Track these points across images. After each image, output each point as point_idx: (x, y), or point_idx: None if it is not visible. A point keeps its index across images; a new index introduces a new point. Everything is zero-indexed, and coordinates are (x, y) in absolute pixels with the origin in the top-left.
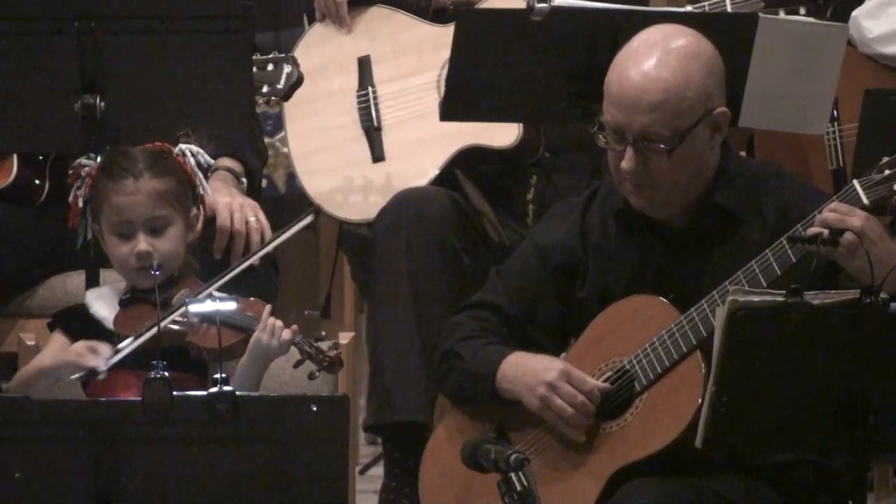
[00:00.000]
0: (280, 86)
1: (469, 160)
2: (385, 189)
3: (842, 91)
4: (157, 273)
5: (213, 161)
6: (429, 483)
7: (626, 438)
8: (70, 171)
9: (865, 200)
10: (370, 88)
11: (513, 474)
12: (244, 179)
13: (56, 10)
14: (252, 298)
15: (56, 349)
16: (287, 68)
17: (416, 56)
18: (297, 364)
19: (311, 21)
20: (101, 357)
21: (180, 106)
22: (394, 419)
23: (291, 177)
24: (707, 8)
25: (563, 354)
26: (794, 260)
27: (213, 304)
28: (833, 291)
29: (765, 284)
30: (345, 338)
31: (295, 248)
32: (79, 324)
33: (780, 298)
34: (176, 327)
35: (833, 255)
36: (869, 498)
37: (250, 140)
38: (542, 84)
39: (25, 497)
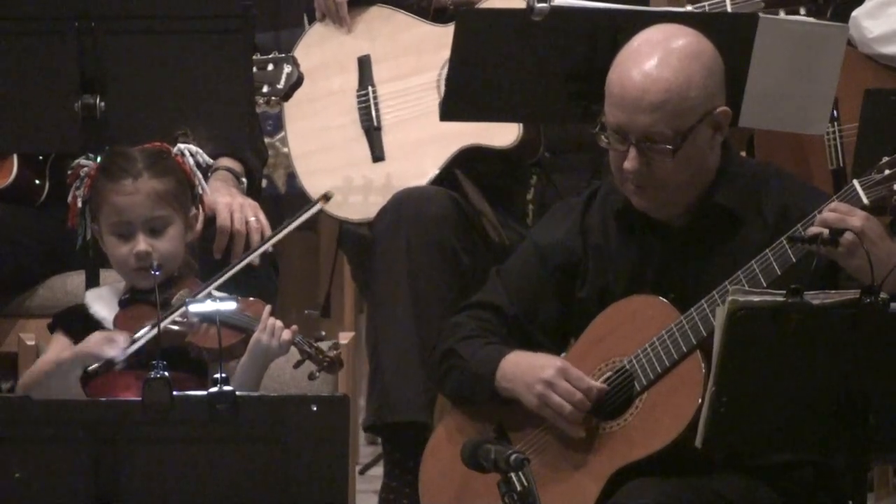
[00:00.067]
0: (280, 86)
1: (469, 160)
2: (385, 189)
3: (842, 91)
4: (157, 273)
5: (211, 161)
6: (429, 483)
7: (626, 438)
8: (69, 172)
9: (865, 200)
10: (370, 88)
11: (513, 474)
12: (244, 179)
13: (56, 10)
14: (252, 298)
15: (60, 350)
16: (287, 68)
17: (417, 56)
18: (297, 364)
19: (311, 21)
20: (118, 346)
21: (180, 106)
22: (393, 419)
23: (291, 177)
24: (707, 8)
25: (563, 354)
26: (794, 260)
27: (213, 304)
28: (833, 291)
29: (765, 284)
30: (345, 338)
31: (295, 248)
32: (79, 324)
33: (780, 298)
34: (176, 327)
35: (833, 254)
36: (869, 498)
37: (250, 140)
38: (542, 84)
39: (25, 497)
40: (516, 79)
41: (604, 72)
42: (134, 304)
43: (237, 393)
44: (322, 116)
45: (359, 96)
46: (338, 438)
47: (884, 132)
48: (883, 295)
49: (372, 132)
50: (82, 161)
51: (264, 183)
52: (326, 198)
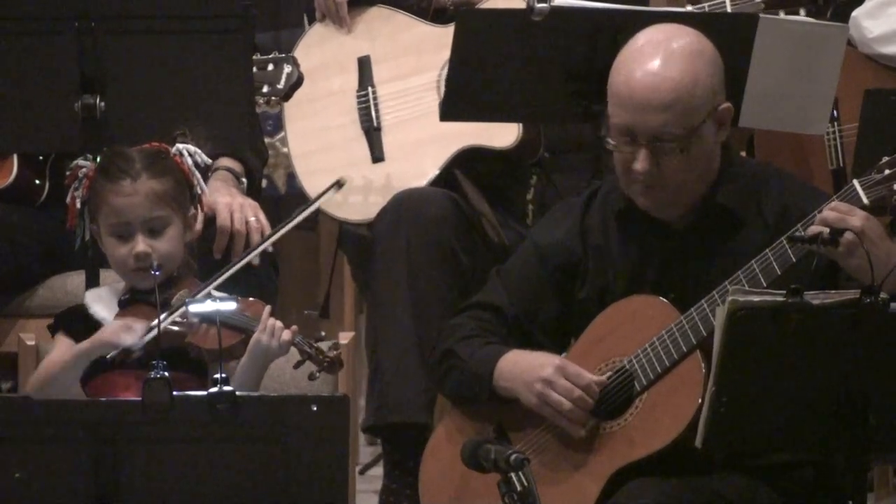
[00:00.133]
0: (280, 86)
1: (469, 160)
2: (385, 189)
3: (842, 91)
4: (157, 273)
5: (210, 160)
6: (429, 483)
7: (626, 438)
8: (67, 173)
9: (865, 200)
10: (370, 88)
11: (513, 474)
12: (244, 179)
13: (56, 10)
14: (252, 299)
15: (64, 351)
16: (287, 68)
17: (416, 56)
18: (298, 365)
19: (311, 21)
20: (136, 334)
21: (181, 106)
22: (393, 420)
23: (291, 177)
24: (707, 8)
25: (563, 354)
26: (794, 260)
27: (213, 304)
28: (833, 291)
29: (765, 284)
30: (345, 338)
31: (295, 248)
32: (79, 325)
33: (780, 298)
34: (175, 328)
35: (833, 254)
36: (869, 498)
37: (250, 140)
38: (542, 84)
39: (25, 497)
40: (516, 79)
41: (604, 72)
42: (133, 304)
43: (237, 393)
44: (322, 117)
45: (359, 96)
46: (338, 438)
47: (884, 132)
48: (883, 295)
49: (372, 132)
50: (80, 162)
51: (264, 183)
52: (339, 184)
